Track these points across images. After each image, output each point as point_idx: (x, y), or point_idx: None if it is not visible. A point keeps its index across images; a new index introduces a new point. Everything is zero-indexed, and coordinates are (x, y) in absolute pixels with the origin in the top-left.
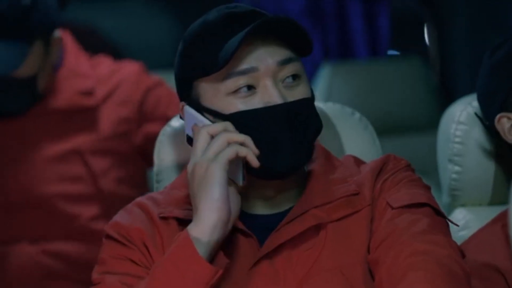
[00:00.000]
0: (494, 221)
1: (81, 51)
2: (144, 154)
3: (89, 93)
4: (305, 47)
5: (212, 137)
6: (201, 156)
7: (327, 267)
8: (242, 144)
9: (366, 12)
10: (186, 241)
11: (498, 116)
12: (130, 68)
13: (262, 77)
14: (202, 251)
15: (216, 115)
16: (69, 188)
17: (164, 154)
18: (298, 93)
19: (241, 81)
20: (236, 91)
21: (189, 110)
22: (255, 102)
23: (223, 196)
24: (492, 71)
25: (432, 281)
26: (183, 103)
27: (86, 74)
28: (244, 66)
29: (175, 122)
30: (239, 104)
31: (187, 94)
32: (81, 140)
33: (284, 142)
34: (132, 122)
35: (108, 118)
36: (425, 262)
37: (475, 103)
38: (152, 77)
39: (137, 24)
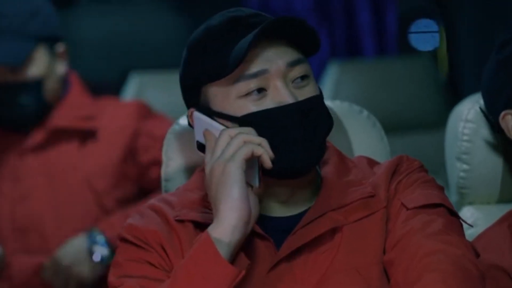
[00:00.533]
0: (501, 220)
1: (85, 91)
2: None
3: (89, 118)
4: (312, 46)
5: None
6: (219, 157)
7: (343, 268)
8: (258, 145)
9: (374, 9)
10: (207, 242)
11: (502, 113)
12: (133, 104)
13: (273, 79)
14: (223, 252)
15: (228, 119)
16: (72, 210)
17: (172, 153)
18: (307, 92)
19: (252, 84)
20: (247, 94)
21: (199, 115)
22: (267, 103)
23: (242, 195)
24: (498, 67)
25: (447, 281)
26: (192, 109)
27: (87, 105)
28: (254, 69)
29: (183, 121)
30: (251, 106)
31: (196, 100)
32: (85, 163)
33: (297, 140)
34: (132, 147)
35: (110, 142)
36: (440, 262)
37: (483, 101)
38: (153, 115)
39: (146, 23)
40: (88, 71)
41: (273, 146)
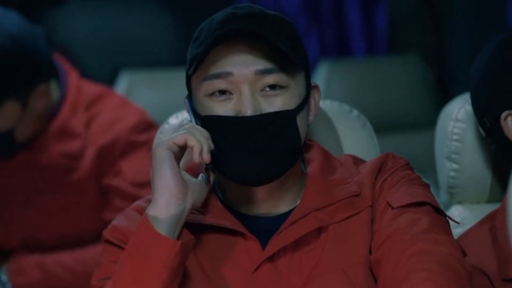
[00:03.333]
0: (482, 222)
1: (80, 98)
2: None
3: (74, 156)
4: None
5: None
6: None
7: (329, 268)
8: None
9: (364, 8)
10: (144, 221)
11: (505, 113)
12: (128, 121)
13: (239, 83)
14: (161, 228)
15: (195, 115)
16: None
17: None
18: (278, 103)
19: (216, 85)
20: (212, 94)
21: (187, 105)
22: (229, 108)
23: (172, 173)
24: (505, 67)
25: (435, 280)
26: (185, 98)
27: (76, 134)
28: (219, 70)
29: (174, 119)
30: (214, 108)
31: (189, 91)
32: (66, 199)
33: (249, 153)
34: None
35: (91, 175)
36: (428, 261)
37: (474, 100)
38: (143, 138)
39: (137, 21)
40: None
41: (225, 153)
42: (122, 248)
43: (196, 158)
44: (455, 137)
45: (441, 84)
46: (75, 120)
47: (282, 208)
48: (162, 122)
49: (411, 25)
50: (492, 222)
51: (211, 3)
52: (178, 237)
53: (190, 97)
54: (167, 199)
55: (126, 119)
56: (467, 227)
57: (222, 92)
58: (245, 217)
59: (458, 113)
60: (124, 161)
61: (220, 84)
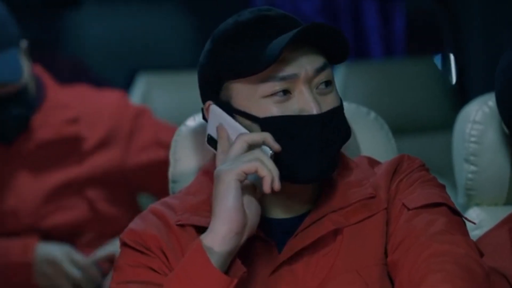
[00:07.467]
0: (501, 224)
1: (59, 85)
2: (135, 181)
3: (74, 120)
4: (339, 54)
5: (249, 146)
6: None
7: (344, 270)
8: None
9: (381, 11)
10: (199, 250)
11: None
12: (113, 97)
13: (299, 83)
14: (215, 260)
15: (249, 118)
16: (64, 217)
17: (180, 154)
18: (330, 100)
19: (279, 86)
20: (271, 95)
21: (217, 110)
22: (291, 107)
23: (236, 206)
24: None
25: (452, 281)
26: (209, 102)
27: (69, 105)
28: (285, 72)
29: (191, 122)
30: (274, 108)
31: (215, 94)
32: (73, 172)
33: (314, 151)
34: (120, 150)
35: (96, 147)
36: (444, 262)
37: (491, 103)
38: (135, 106)
39: (155, 23)
40: (96, 71)
41: (288, 152)
42: (140, 251)
43: (267, 189)
44: (472, 139)
45: (458, 86)
46: (62, 96)
47: (299, 210)
48: (180, 125)
49: (428, 28)
50: (511, 224)
51: (229, 5)
52: (229, 267)
53: (220, 101)
54: (225, 234)
55: (110, 96)
56: (485, 229)
57: (284, 92)
58: (261, 220)
59: (476, 115)
60: None
61: (284, 85)
